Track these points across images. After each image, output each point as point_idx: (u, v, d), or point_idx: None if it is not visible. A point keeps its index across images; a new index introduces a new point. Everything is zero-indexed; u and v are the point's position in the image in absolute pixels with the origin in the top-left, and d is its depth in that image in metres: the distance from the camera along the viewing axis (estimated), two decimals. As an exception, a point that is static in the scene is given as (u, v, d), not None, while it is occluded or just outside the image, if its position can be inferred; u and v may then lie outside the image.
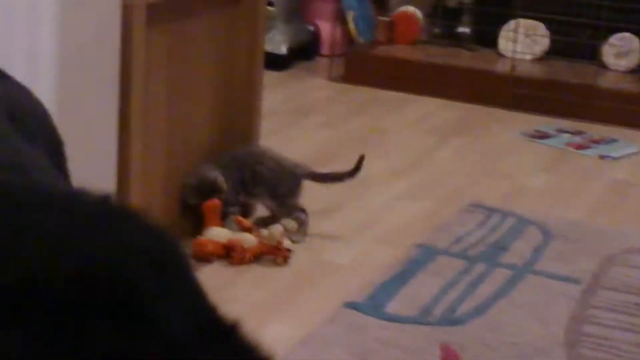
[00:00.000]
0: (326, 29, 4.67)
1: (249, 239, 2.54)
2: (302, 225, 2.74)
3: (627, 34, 4.32)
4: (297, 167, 2.81)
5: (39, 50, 1.94)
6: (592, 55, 4.27)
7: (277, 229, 2.53)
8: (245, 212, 2.75)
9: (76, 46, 2.06)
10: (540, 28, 4.42)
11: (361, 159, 2.80)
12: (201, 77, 2.65)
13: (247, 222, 2.59)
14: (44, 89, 1.96)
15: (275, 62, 4.20)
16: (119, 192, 2.32)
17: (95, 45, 2.13)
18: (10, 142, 1.12)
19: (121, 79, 2.23)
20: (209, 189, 2.61)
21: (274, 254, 2.54)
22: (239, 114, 2.83)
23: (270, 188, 2.72)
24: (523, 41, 4.39)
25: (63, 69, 2.01)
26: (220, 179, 2.63)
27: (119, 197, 2.29)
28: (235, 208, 2.68)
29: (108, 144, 2.26)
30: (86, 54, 2.11)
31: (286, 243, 2.54)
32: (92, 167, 2.17)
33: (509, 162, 3.55)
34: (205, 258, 2.51)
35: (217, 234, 2.56)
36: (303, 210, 2.74)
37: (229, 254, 2.53)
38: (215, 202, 2.60)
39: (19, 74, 1.89)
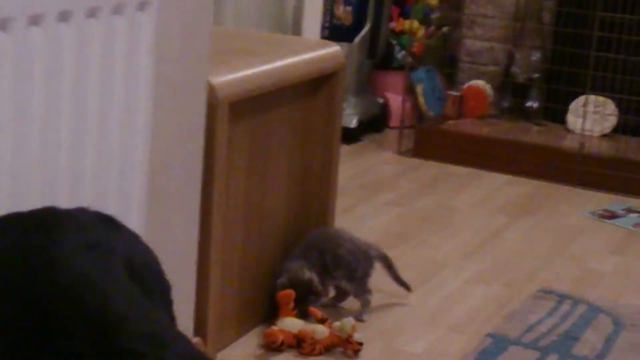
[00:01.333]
0: (396, 101, 4.74)
1: (320, 331, 2.59)
2: (367, 305, 2.80)
3: (696, 112, 4.32)
4: (371, 248, 2.88)
5: (132, 150, 2.02)
6: (661, 133, 4.28)
7: (349, 322, 2.58)
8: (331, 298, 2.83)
9: (165, 147, 2.14)
10: (610, 105, 4.44)
11: (407, 287, 2.93)
12: (279, 165, 2.72)
13: (320, 313, 2.64)
14: (135, 188, 2.04)
15: (344, 135, 4.25)
16: (199, 282, 2.39)
17: (181, 142, 2.22)
18: (144, 309, 1.21)
19: (204, 175, 2.31)
20: (304, 291, 2.69)
21: (345, 347, 2.58)
22: (314, 201, 2.89)
23: (349, 271, 2.79)
24: (592, 118, 4.42)
25: (153, 166, 2.09)
26: (315, 280, 2.71)
27: (198, 287, 2.37)
28: (324, 298, 2.78)
29: (190, 235, 2.33)
30: (173, 154, 2.19)
31: (357, 336, 2.58)
32: (175, 256, 2.25)
33: (578, 243, 3.56)
34: (276, 348, 2.57)
35: (289, 324, 2.61)
36: (370, 291, 2.82)
37: (300, 344, 2.58)
38: (289, 292, 2.65)
39: (113, 179, 1.98)
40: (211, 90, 2.26)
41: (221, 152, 2.34)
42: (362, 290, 2.81)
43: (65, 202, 1.89)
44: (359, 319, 2.75)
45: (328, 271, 2.77)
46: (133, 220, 2.06)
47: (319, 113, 2.83)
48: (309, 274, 2.71)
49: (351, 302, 2.84)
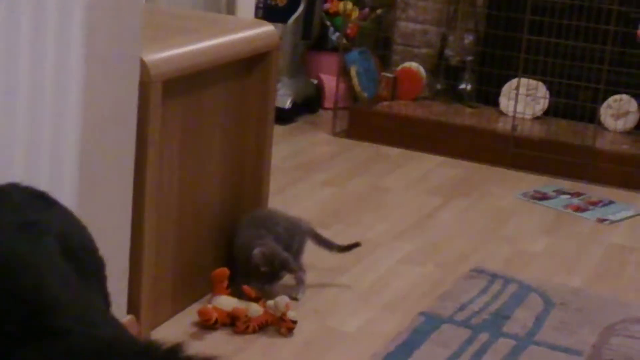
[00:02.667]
0: (330, 83, 4.74)
1: (254, 309, 2.58)
2: (302, 283, 2.81)
3: (624, 96, 4.39)
4: (301, 222, 2.90)
5: (63, 126, 1.99)
6: (591, 117, 4.34)
7: (282, 300, 2.58)
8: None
9: (96, 121, 2.11)
10: (541, 88, 4.49)
11: (356, 245, 2.94)
12: (212, 144, 2.71)
13: (254, 292, 2.64)
14: (68, 164, 2.01)
15: (279, 116, 4.24)
16: (132, 260, 2.37)
17: (113, 120, 2.19)
18: (77, 290, 1.20)
19: (137, 153, 2.29)
20: (279, 266, 2.71)
21: (279, 325, 2.58)
22: (248, 180, 2.88)
23: (285, 248, 2.79)
24: (524, 100, 4.46)
25: (85, 143, 2.06)
26: (290, 258, 2.72)
27: (131, 265, 2.35)
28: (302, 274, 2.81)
29: (123, 212, 2.31)
30: (106, 129, 2.16)
31: (291, 315, 2.58)
32: (108, 233, 2.22)
33: (510, 224, 3.60)
34: (210, 326, 2.56)
35: (224, 302, 2.61)
36: (304, 270, 2.83)
37: (233, 322, 2.58)
38: (223, 271, 2.65)
39: (44, 156, 1.95)
40: (144, 67, 2.23)
41: (154, 130, 2.32)
42: (297, 268, 2.81)
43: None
44: (293, 297, 2.76)
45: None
46: (65, 197, 2.03)
47: (253, 92, 2.81)
48: (286, 255, 2.71)
49: (286, 280, 2.83)
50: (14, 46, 1.81)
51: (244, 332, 2.56)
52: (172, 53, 2.36)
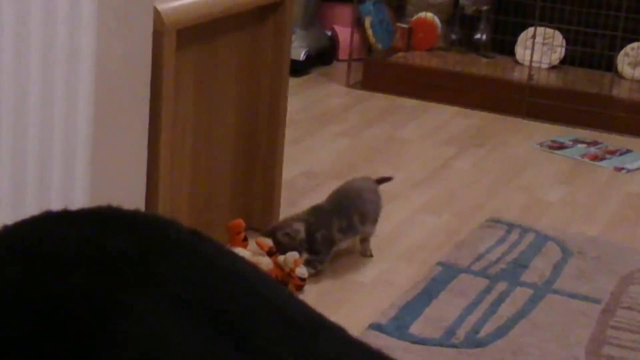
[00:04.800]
0: (344, 34, 4.70)
1: (264, 263, 2.57)
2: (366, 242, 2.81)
3: (643, 43, 4.35)
4: (373, 182, 2.87)
5: (77, 76, 1.98)
6: (608, 65, 4.30)
7: (292, 256, 2.55)
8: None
9: (110, 71, 2.10)
10: (557, 37, 4.44)
11: (387, 179, 2.93)
12: (227, 94, 2.69)
13: (267, 246, 2.62)
14: (81, 115, 2.00)
15: (293, 68, 4.21)
16: (147, 207, 2.36)
17: (127, 70, 2.17)
18: None
19: (151, 102, 2.27)
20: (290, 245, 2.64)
21: (287, 281, 2.56)
22: (263, 130, 2.86)
23: (374, 220, 2.78)
24: (540, 49, 4.42)
25: (99, 94, 2.05)
26: (301, 236, 2.64)
27: (148, 205, 2.33)
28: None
29: (138, 163, 2.30)
30: (119, 81, 2.15)
31: (300, 272, 2.55)
32: (122, 184, 2.22)
33: (526, 174, 3.58)
34: None
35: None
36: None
37: None
38: (238, 222, 2.64)
39: (58, 107, 1.94)
40: (157, 16, 2.21)
41: (168, 79, 2.30)
42: (374, 229, 2.80)
43: (8, 131, 1.85)
44: (369, 254, 2.77)
45: (355, 228, 2.72)
46: (79, 149, 2.03)
47: (267, 42, 2.79)
48: (298, 225, 2.65)
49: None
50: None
51: None
52: (185, 1, 2.33)
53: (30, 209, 1.93)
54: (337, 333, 1.19)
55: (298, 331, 1.12)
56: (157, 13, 2.21)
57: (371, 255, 2.79)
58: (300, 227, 2.64)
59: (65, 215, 1.19)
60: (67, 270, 1.08)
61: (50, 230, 1.15)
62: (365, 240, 2.79)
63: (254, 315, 1.10)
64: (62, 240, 1.13)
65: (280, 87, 2.84)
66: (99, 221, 1.17)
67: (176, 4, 2.29)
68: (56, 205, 2.00)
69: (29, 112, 1.89)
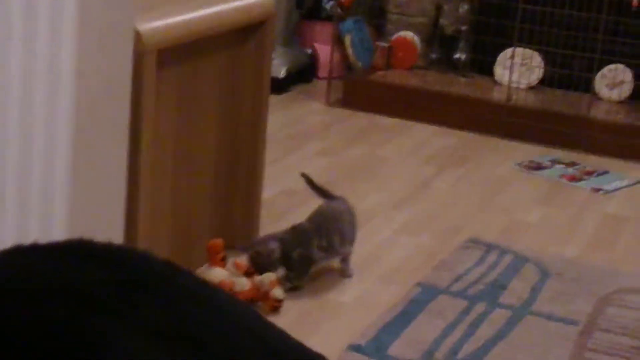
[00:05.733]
0: (324, 52, 4.71)
1: (240, 283, 2.56)
2: (348, 261, 2.82)
3: (619, 65, 4.38)
4: (348, 204, 2.86)
5: (57, 97, 1.97)
6: (586, 86, 4.33)
7: (268, 277, 2.55)
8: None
9: (90, 92, 2.09)
10: (536, 58, 4.47)
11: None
12: (208, 114, 2.69)
13: (245, 266, 2.62)
14: (61, 136, 1.99)
15: (273, 85, 4.21)
16: (127, 232, 2.35)
17: (108, 91, 2.17)
18: None
19: (131, 124, 2.26)
20: (266, 262, 2.65)
21: (263, 301, 2.56)
22: (244, 150, 2.87)
23: (352, 240, 2.81)
24: (519, 70, 4.45)
25: (79, 114, 2.04)
26: (276, 253, 2.65)
27: (127, 225, 2.33)
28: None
29: (117, 184, 2.29)
30: (100, 100, 2.14)
31: (276, 292, 2.54)
32: (101, 205, 2.21)
33: (505, 194, 3.60)
34: None
35: (214, 274, 2.59)
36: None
37: None
38: (218, 242, 2.63)
39: (38, 128, 1.93)
40: (138, 37, 2.21)
41: (149, 100, 2.30)
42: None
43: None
44: (348, 275, 2.78)
45: (335, 248, 2.74)
46: (59, 170, 2.02)
47: (248, 62, 2.79)
48: (273, 244, 2.66)
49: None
50: (6, 16, 1.78)
51: None
52: (166, 22, 2.33)
53: (10, 224, 1.92)
54: None
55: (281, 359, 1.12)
56: (137, 34, 2.21)
57: (351, 276, 2.79)
58: (274, 246, 2.65)
59: (35, 249, 1.17)
60: (38, 303, 1.06)
61: (20, 265, 1.13)
62: (344, 260, 2.80)
63: (235, 345, 1.10)
64: (33, 274, 1.11)
65: (261, 107, 2.85)
66: (71, 255, 1.15)
67: (157, 24, 2.29)
68: (35, 226, 1.99)
69: (8, 130, 1.88)
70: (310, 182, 2.89)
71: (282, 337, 1.17)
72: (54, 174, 2.01)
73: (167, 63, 2.40)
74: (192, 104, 2.60)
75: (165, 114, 2.47)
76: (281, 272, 2.66)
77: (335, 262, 2.80)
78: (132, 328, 1.06)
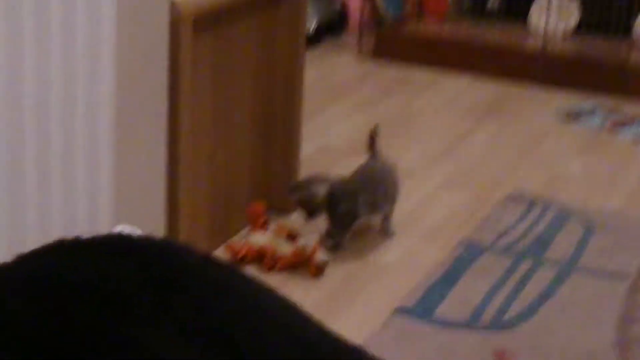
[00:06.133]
0: (354, 3, 4.64)
1: (284, 247, 2.54)
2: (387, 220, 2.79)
3: (658, 7, 4.28)
4: (392, 164, 2.84)
5: (97, 70, 1.94)
6: (624, 30, 4.24)
7: (311, 240, 2.53)
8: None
9: (129, 64, 2.06)
10: (572, 2, 4.38)
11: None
12: (244, 77, 2.65)
13: (287, 230, 2.59)
14: (103, 108, 1.97)
15: (304, 40, 4.19)
16: (169, 197, 2.33)
17: (146, 61, 2.13)
18: None
19: (170, 91, 2.23)
20: (312, 206, 2.63)
21: (306, 266, 2.53)
22: (281, 110, 2.82)
23: (393, 199, 2.78)
24: (554, 16, 4.36)
25: (119, 86, 2.01)
26: (320, 198, 2.62)
27: (169, 192, 2.30)
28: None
29: (158, 152, 2.27)
30: (138, 70, 2.11)
31: (320, 256, 2.52)
32: (143, 174, 2.19)
33: (544, 146, 3.54)
34: (239, 261, 2.52)
35: (257, 238, 2.57)
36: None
37: (261, 259, 2.54)
38: (258, 206, 2.60)
39: (80, 101, 1.90)
40: (173, 6, 2.16)
41: (186, 68, 2.26)
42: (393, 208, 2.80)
43: (32, 121, 1.82)
44: (390, 233, 2.75)
45: (379, 206, 2.72)
46: (101, 140, 1.99)
47: (283, 22, 2.74)
48: (318, 188, 2.62)
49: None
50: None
51: (270, 269, 2.52)
52: (201, -13, 2.29)
53: (56, 192, 1.90)
54: (355, 355, 1.16)
55: (315, 355, 1.10)
56: (172, 2, 2.16)
57: (392, 234, 2.76)
58: (320, 189, 2.62)
59: (75, 246, 1.17)
60: (71, 304, 1.06)
61: (58, 263, 1.13)
62: (386, 218, 2.77)
63: (268, 341, 1.08)
64: (70, 272, 1.11)
65: (297, 67, 2.80)
66: (110, 253, 1.15)
67: (192, -10, 2.24)
68: (81, 182, 1.96)
69: (51, 107, 1.86)
70: (372, 135, 2.84)
71: (319, 332, 1.16)
72: (97, 142, 1.98)
73: (202, 29, 2.35)
74: (228, 68, 2.56)
75: (202, 79, 2.43)
76: (322, 226, 2.66)
77: (377, 221, 2.77)
78: (164, 331, 1.05)
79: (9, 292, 1.09)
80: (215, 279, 1.15)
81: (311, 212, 2.62)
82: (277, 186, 2.84)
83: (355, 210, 2.65)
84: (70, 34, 1.83)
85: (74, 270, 1.11)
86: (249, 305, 1.13)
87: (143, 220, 2.22)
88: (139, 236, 1.21)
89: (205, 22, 2.35)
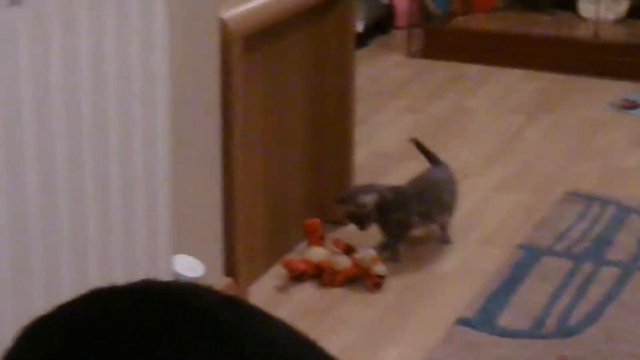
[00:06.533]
0: (401, 1, 4.62)
1: (342, 262, 2.53)
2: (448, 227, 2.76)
3: None
4: (451, 172, 2.80)
5: (152, 94, 1.95)
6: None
7: (368, 253, 2.51)
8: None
9: (182, 86, 2.07)
10: (621, -11, 4.32)
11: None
12: (295, 91, 2.65)
13: (344, 244, 2.58)
14: (158, 134, 1.97)
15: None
16: (225, 220, 2.33)
17: (198, 83, 2.14)
18: None
19: (223, 112, 2.24)
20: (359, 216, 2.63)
21: (366, 279, 2.52)
22: (332, 121, 2.82)
23: (451, 210, 2.75)
24: (605, 3, 4.29)
25: (173, 109, 2.02)
26: (369, 208, 2.61)
27: (225, 210, 2.31)
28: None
29: (213, 173, 2.28)
30: (191, 92, 2.12)
31: (378, 269, 2.50)
32: (199, 197, 2.20)
33: (600, 139, 3.50)
34: (297, 277, 2.52)
35: (314, 253, 2.57)
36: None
37: (320, 275, 2.54)
38: (314, 221, 2.60)
39: (137, 124, 1.91)
40: (223, 25, 2.17)
41: (237, 87, 2.26)
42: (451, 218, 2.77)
43: (90, 147, 1.83)
44: (448, 241, 2.73)
45: (432, 216, 2.70)
46: (157, 163, 2.00)
47: (332, 34, 2.73)
48: (366, 199, 2.61)
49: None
50: (100, 22, 1.76)
51: (330, 284, 2.51)
52: (249, 7, 2.28)
53: (115, 212, 1.91)
54: None
55: None
56: (222, 22, 2.16)
57: (451, 242, 2.75)
58: (367, 200, 2.61)
59: (104, 296, 1.22)
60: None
61: (86, 314, 1.19)
62: (443, 227, 2.75)
63: None
64: (93, 326, 1.17)
65: (348, 76, 2.79)
66: (135, 300, 1.20)
67: (240, 10, 2.24)
68: (140, 212, 1.97)
69: (109, 131, 1.87)
70: (419, 146, 2.83)
71: None
72: (154, 168, 1.99)
73: (253, 46, 2.36)
74: (279, 81, 2.56)
75: (253, 95, 2.44)
76: (377, 238, 2.65)
77: (434, 229, 2.76)
78: None
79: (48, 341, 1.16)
80: (237, 322, 1.17)
81: (361, 224, 2.61)
82: (332, 198, 2.83)
83: (407, 219, 2.64)
84: (124, 61, 1.84)
85: (97, 322, 1.17)
86: (270, 349, 1.14)
87: (201, 244, 2.23)
88: (161, 281, 1.27)
89: (256, 39, 2.35)
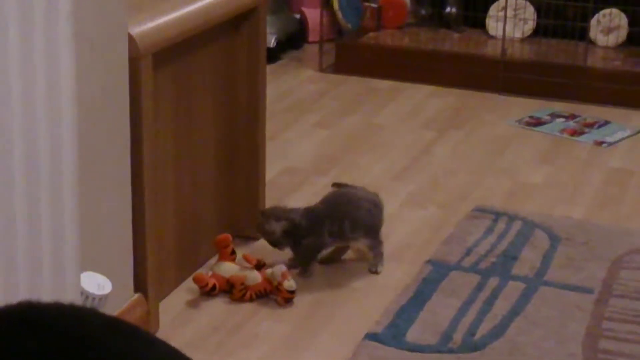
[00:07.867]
0: (313, 16, 4.65)
1: (252, 277, 2.54)
2: (380, 257, 2.73)
3: (614, 10, 4.32)
4: (376, 196, 2.78)
5: (58, 110, 1.93)
6: (581, 34, 4.27)
7: (279, 269, 2.52)
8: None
9: (89, 103, 2.05)
10: (528, 8, 4.41)
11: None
12: (205, 106, 2.64)
13: (255, 259, 2.59)
14: (64, 149, 1.95)
15: (264, 55, 4.18)
16: (135, 236, 2.32)
17: (106, 100, 2.13)
18: None
19: (132, 128, 2.23)
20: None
21: (276, 294, 2.53)
22: (243, 136, 2.82)
23: (367, 229, 2.70)
24: (511, 21, 4.39)
25: (80, 124, 2.00)
26: (277, 234, 2.63)
27: (135, 227, 2.30)
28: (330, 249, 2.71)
29: (122, 190, 2.26)
30: (99, 109, 2.10)
31: (288, 284, 2.52)
32: (108, 213, 2.18)
33: (507, 155, 3.57)
34: (208, 292, 2.52)
35: (225, 268, 2.57)
36: (382, 242, 2.74)
37: (231, 290, 2.54)
38: (225, 237, 2.60)
39: (42, 139, 1.89)
40: (132, 42, 2.16)
41: (147, 104, 2.25)
42: (376, 243, 2.72)
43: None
44: (373, 271, 2.71)
45: (345, 235, 2.66)
46: (64, 180, 1.98)
47: (242, 50, 2.74)
48: (275, 226, 2.63)
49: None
50: (3, 39, 1.73)
51: (240, 299, 2.52)
52: (158, 23, 2.28)
53: (21, 219, 1.88)
54: None
55: None
56: (131, 39, 2.15)
57: (377, 273, 2.72)
58: (276, 227, 2.62)
59: None
60: None
61: None
62: (376, 255, 2.72)
63: None
64: None
65: (258, 89, 2.79)
66: (11, 323, 1.17)
67: (149, 26, 2.24)
68: (46, 225, 1.95)
69: (14, 147, 1.84)
70: (341, 186, 2.84)
71: None
72: (60, 181, 1.97)
73: (162, 62, 2.35)
74: (189, 97, 2.56)
75: (163, 111, 2.43)
76: (288, 253, 2.68)
77: (359, 247, 2.74)
78: None
79: None
80: (116, 346, 1.17)
81: (274, 245, 2.63)
82: (243, 214, 2.84)
83: (321, 242, 2.65)
84: (29, 73, 1.81)
85: None
86: None
87: (110, 259, 2.21)
88: (44, 304, 1.23)
89: (166, 54, 2.34)
